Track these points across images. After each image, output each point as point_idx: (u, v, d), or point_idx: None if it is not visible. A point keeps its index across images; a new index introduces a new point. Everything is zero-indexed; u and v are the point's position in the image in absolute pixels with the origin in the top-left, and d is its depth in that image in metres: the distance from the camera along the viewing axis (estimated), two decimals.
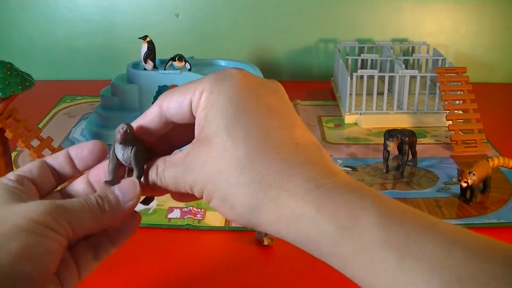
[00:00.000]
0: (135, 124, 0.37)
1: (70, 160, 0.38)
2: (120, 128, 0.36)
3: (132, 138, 0.37)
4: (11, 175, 0.35)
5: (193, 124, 0.34)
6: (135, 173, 0.37)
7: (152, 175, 0.36)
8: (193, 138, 0.34)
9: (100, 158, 0.38)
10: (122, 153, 0.37)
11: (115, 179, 0.38)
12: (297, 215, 0.30)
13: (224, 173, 0.32)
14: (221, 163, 0.32)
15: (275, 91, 0.35)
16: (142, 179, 0.37)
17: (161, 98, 0.36)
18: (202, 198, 0.34)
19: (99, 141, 0.38)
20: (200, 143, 0.33)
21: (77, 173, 0.38)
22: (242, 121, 0.32)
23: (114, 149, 0.37)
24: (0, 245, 0.29)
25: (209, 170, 0.32)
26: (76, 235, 0.33)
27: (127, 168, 0.38)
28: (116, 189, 0.35)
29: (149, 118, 0.36)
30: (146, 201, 0.40)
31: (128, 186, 0.35)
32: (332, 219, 0.29)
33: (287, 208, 0.30)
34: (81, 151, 0.37)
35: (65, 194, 0.38)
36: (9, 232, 0.30)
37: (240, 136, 0.32)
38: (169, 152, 0.38)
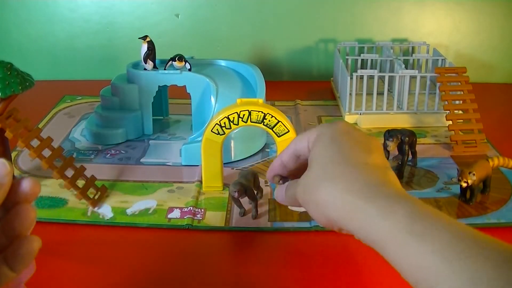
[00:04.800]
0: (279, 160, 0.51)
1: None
2: (232, 192, 0.63)
3: (242, 190, 0.63)
4: None
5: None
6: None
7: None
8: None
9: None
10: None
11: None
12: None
13: (314, 183, 0.44)
14: (312, 177, 0.44)
15: (362, 132, 0.48)
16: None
17: (293, 141, 0.50)
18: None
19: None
20: (307, 165, 0.46)
21: None
22: (333, 148, 0.45)
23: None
24: None
25: (306, 182, 0.45)
26: None
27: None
28: None
29: (286, 154, 0.50)
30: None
31: None
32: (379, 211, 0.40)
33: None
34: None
35: None
36: None
37: (327, 158, 0.44)
38: None
